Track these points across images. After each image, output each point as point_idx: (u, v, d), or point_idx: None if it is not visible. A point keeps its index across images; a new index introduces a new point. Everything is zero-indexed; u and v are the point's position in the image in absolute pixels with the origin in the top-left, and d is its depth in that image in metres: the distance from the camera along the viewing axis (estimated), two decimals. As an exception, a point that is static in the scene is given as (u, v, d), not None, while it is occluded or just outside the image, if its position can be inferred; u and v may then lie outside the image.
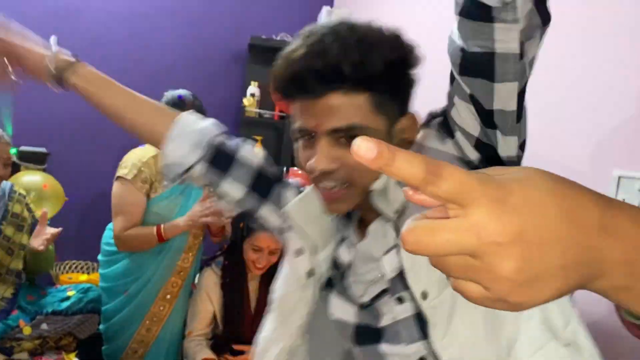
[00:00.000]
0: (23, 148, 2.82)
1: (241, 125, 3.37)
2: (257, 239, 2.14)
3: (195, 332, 2.17)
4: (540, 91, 1.46)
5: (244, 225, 2.22)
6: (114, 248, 2.18)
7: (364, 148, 0.33)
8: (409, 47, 0.79)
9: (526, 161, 0.73)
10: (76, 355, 1.98)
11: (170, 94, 2.23)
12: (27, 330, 1.90)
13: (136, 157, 2.14)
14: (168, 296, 2.19)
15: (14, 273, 2.02)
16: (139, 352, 2.16)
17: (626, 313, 0.38)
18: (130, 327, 2.16)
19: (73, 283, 2.88)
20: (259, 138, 3.28)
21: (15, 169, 2.76)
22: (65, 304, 2.01)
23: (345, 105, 0.75)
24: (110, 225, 2.25)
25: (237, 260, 2.21)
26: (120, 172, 2.11)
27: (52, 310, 1.98)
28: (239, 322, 2.21)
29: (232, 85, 3.45)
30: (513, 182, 0.35)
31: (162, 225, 2.08)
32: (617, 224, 0.36)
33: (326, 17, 3.10)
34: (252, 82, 3.34)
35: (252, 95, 3.31)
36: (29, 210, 2.17)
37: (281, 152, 3.31)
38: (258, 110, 3.33)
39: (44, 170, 2.82)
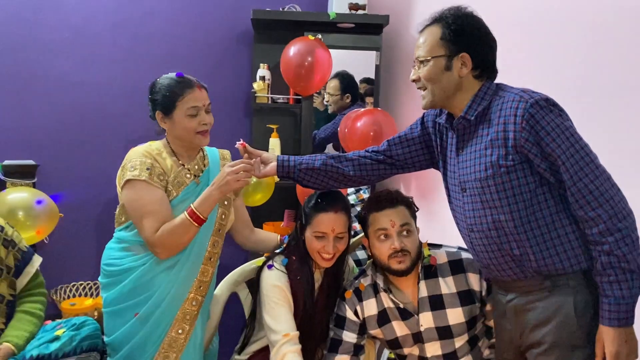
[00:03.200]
0: (7, 162, 2.46)
1: (253, 114, 2.99)
2: (317, 223, 1.79)
3: (292, 332, 1.74)
4: None
5: (299, 213, 1.89)
6: (115, 268, 1.83)
7: None
8: None
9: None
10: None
11: (165, 77, 1.86)
12: None
13: (142, 154, 1.81)
14: (187, 317, 1.82)
15: None
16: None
17: None
18: (143, 355, 1.79)
19: (75, 312, 2.54)
20: (274, 127, 2.88)
21: (0, 186, 2.42)
22: (54, 346, 1.63)
23: None
24: (109, 244, 1.91)
25: (301, 255, 1.86)
26: (130, 174, 1.76)
27: (38, 354, 1.60)
28: (311, 321, 1.85)
29: (239, 70, 3.07)
30: None
31: (190, 205, 1.74)
32: None
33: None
34: (262, 65, 2.94)
35: (263, 78, 2.92)
36: (8, 245, 1.77)
37: (300, 140, 2.90)
38: (270, 96, 2.94)
39: (33, 185, 2.47)
